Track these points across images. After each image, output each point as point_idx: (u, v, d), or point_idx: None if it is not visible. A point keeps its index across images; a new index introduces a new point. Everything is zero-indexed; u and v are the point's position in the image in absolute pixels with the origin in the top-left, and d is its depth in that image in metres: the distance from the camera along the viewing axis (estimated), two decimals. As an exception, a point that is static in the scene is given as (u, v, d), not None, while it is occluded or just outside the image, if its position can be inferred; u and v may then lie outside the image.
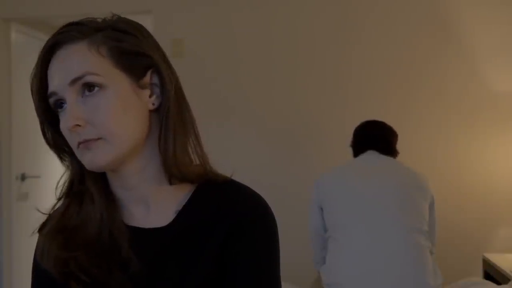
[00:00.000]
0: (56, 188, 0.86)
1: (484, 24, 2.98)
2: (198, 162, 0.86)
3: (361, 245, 1.97)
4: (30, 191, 3.68)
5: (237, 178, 0.88)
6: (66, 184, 0.86)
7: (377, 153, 2.18)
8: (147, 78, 0.82)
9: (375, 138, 2.24)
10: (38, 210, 0.88)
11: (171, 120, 0.82)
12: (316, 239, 2.25)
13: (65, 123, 0.78)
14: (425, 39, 3.02)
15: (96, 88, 0.78)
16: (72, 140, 0.79)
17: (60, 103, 0.80)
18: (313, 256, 2.31)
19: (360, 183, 2.08)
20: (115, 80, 0.79)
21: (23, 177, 3.64)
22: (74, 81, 0.78)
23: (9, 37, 3.55)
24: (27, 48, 3.55)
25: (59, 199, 0.86)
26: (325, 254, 2.15)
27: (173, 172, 0.82)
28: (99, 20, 0.83)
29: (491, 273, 2.58)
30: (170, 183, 0.83)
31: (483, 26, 2.98)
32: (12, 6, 3.47)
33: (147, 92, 0.83)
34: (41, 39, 3.56)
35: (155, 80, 0.83)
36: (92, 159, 0.78)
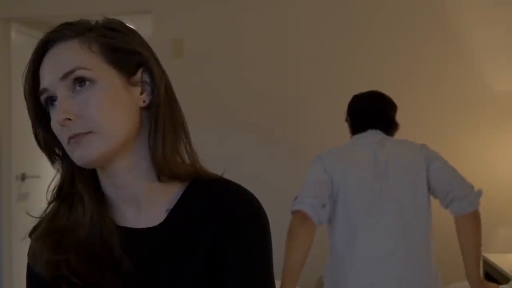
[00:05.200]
0: (47, 191, 0.86)
1: (484, 24, 2.98)
2: (188, 161, 0.86)
3: (363, 258, 1.90)
4: (30, 191, 3.68)
5: (237, 178, 0.88)
6: (56, 188, 0.86)
7: (379, 135, 2.01)
8: (138, 76, 0.83)
9: (376, 114, 2.06)
10: (29, 214, 0.89)
11: (161, 117, 0.83)
12: (315, 185, 1.94)
13: (56, 117, 0.78)
14: (425, 39, 3.02)
15: (87, 83, 0.79)
16: (63, 136, 0.80)
17: (52, 100, 0.81)
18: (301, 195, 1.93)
19: (367, 185, 1.94)
20: (106, 76, 0.80)
21: (23, 177, 3.64)
22: (65, 76, 0.79)
23: (9, 37, 3.56)
24: (27, 48, 3.52)
25: (50, 203, 0.87)
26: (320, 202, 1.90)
27: (163, 170, 0.83)
28: (92, 21, 0.85)
29: (491, 273, 2.58)
30: (159, 180, 0.84)
31: (483, 26, 2.98)
32: (12, 6, 3.47)
33: (138, 89, 0.83)
34: (41, 39, 3.55)
35: (146, 78, 0.84)
36: (82, 154, 0.79)
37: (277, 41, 3.15)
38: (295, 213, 1.91)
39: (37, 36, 3.70)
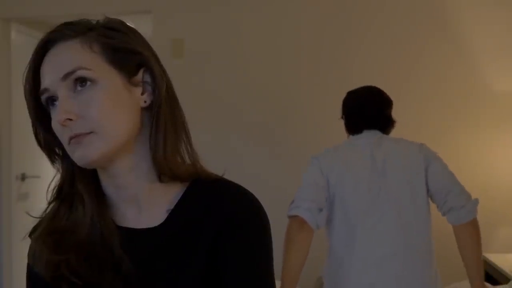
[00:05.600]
0: (47, 191, 0.86)
1: (484, 24, 2.98)
2: (189, 161, 0.86)
3: (362, 258, 1.89)
4: (30, 191, 3.68)
5: (237, 178, 0.88)
6: (56, 188, 0.86)
7: (376, 135, 1.99)
8: (139, 76, 0.83)
9: (372, 115, 2.03)
10: (29, 214, 0.88)
11: (162, 118, 0.83)
12: (312, 188, 1.93)
13: (57, 117, 0.78)
14: (425, 39, 3.02)
15: (88, 83, 0.79)
16: (64, 136, 0.79)
17: (52, 100, 0.81)
18: (295, 200, 1.93)
19: (365, 187, 1.93)
20: (107, 76, 0.80)
21: (23, 177, 3.64)
22: (66, 76, 0.78)
23: (9, 37, 3.56)
24: (27, 48, 3.53)
25: (49, 203, 0.86)
26: (316, 206, 1.90)
27: (163, 170, 0.83)
28: (93, 21, 0.84)
29: (491, 273, 2.58)
30: (160, 181, 0.84)
31: (483, 26, 2.98)
32: (12, 6, 3.47)
33: (139, 89, 0.83)
34: (41, 39, 3.56)
35: (147, 78, 0.84)
36: (83, 154, 0.78)
37: (277, 41, 3.15)
38: (292, 217, 1.90)
39: (37, 36, 3.71)
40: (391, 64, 3.04)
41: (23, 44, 3.59)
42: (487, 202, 2.89)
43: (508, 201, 2.88)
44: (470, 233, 1.89)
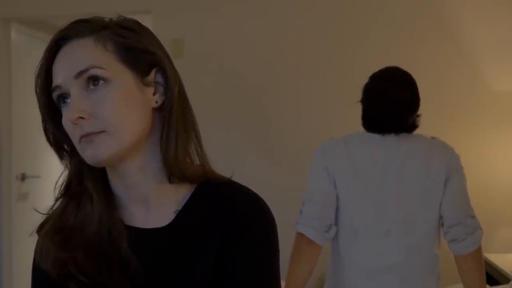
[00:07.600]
0: (55, 188, 0.86)
1: (484, 24, 2.98)
2: (198, 162, 0.87)
3: (366, 265, 1.83)
4: (30, 191, 3.68)
5: (237, 178, 0.88)
6: (64, 184, 0.86)
7: (396, 137, 1.86)
8: (151, 76, 0.83)
9: (396, 122, 1.88)
10: (37, 211, 0.88)
11: (173, 118, 0.83)
12: (320, 202, 1.82)
13: (69, 115, 0.78)
14: (424, 39, 3.02)
15: (101, 82, 0.79)
16: (75, 134, 0.79)
17: (64, 98, 0.80)
18: (303, 214, 1.84)
19: (374, 190, 1.82)
20: (120, 75, 0.80)
21: (23, 177, 3.64)
22: (79, 74, 0.78)
23: (9, 37, 3.55)
24: (27, 48, 3.55)
25: (57, 200, 0.86)
26: (328, 215, 1.82)
27: (174, 171, 0.83)
28: (106, 19, 0.84)
29: (491, 273, 2.58)
30: (170, 182, 0.84)
31: (483, 26, 2.98)
32: (12, 6, 3.46)
33: (151, 89, 0.83)
34: (41, 39, 3.56)
35: (159, 78, 0.84)
36: (94, 153, 0.78)
37: (277, 40, 3.15)
38: (300, 235, 1.84)
39: (37, 36, 3.68)
40: (390, 64, 3.03)
41: (23, 44, 3.59)
42: (487, 202, 2.89)
43: (508, 201, 2.88)
44: (469, 264, 1.81)
